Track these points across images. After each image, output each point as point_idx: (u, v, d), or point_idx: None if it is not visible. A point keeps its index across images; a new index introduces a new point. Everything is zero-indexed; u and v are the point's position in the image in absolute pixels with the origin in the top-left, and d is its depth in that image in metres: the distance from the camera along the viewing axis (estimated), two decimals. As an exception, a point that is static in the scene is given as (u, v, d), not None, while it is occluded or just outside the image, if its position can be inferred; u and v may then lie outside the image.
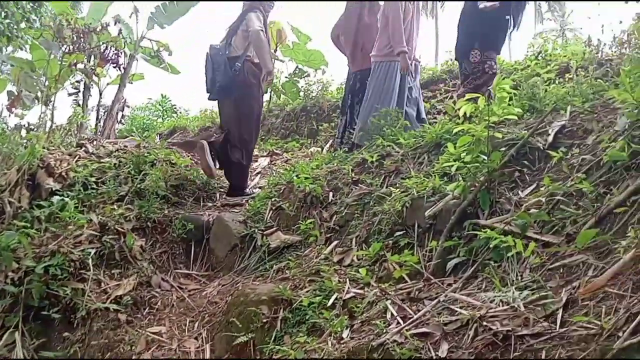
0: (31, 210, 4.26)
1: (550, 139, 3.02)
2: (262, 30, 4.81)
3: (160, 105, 14.27)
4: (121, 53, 8.49)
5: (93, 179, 4.74)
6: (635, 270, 1.72)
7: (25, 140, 5.30)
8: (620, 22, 5.62)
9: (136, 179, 4.78)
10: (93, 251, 3.72)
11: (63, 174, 4.74)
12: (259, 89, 5.04)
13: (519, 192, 2.84)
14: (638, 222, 1.98)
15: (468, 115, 3.08)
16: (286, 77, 9.04)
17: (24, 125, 6.67)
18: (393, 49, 5.10)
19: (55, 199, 4.26)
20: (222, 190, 5.18)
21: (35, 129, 6.50)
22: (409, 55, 5.13)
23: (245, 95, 4.93)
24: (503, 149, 3.08)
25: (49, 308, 3.41)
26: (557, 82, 4.11)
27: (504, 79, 3.21)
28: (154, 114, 14.15)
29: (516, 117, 3.20)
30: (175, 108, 14.31)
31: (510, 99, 3.18)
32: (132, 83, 9.39)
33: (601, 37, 5.89)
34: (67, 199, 4.26)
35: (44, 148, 5.08)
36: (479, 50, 4.71)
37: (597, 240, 2.07)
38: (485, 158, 2.92)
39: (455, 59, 5.32)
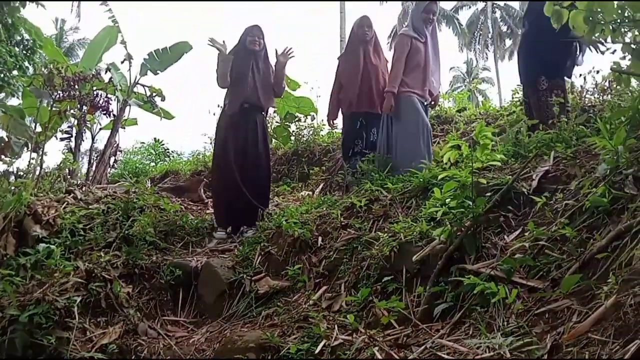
0: (17, 258, 4.20)
1: (534, 184, 3.07)
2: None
3: (153, 149, 14.30)
4: (112, 100, 8.57)
5: (81, 226, 4.72)
6: (617, 316, 1.73)
7: (12, 187, 5.28)
8: (598, 71, 5.77)
9: (124, 225, 4.76)
10: (79, 299, 3.65)
11: (50, 220, 4.72)
12: (228, 133, 5.20)
13: (505, 237, 2.86)
14: (619, 267, 2.00)
15: (453, 161, 3.14)
16: (277, 122, 9.14)
17: (12, 172, 6.68)
18: (403, 82, 5.12)
19: (42, 246, 4.22)
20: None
21: (24, 176, 6.50)
22: (430, 90, 5.20)
23: (215, 139, 5.44)
24: (488, 194, 3.12)
25: (33, 358, 3.32)
26: (541, 127, 4.19)
27: (488, 125, 3.29)
28: (146, 158, 14.15)
29: (499, 163, 3.26)
30: (168, 152, 14.34)
31: (494, 144, 3.24)
32: (124, 128, 9.47)
33: (584, 84, 6.04)
34: (53, 246, 4.21)
35: (32, 195, 5.07)
36: (546, 78, 4.58)
37: (581, 285, 2.08)
38: (471, 203, 2.96)
39: (522, 83, 5.08)
